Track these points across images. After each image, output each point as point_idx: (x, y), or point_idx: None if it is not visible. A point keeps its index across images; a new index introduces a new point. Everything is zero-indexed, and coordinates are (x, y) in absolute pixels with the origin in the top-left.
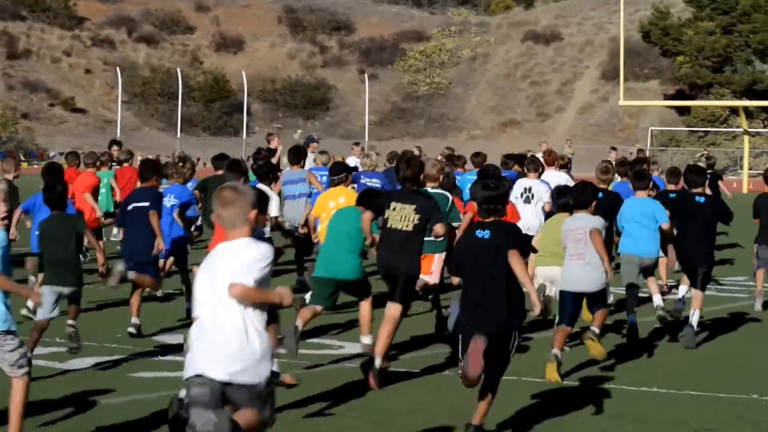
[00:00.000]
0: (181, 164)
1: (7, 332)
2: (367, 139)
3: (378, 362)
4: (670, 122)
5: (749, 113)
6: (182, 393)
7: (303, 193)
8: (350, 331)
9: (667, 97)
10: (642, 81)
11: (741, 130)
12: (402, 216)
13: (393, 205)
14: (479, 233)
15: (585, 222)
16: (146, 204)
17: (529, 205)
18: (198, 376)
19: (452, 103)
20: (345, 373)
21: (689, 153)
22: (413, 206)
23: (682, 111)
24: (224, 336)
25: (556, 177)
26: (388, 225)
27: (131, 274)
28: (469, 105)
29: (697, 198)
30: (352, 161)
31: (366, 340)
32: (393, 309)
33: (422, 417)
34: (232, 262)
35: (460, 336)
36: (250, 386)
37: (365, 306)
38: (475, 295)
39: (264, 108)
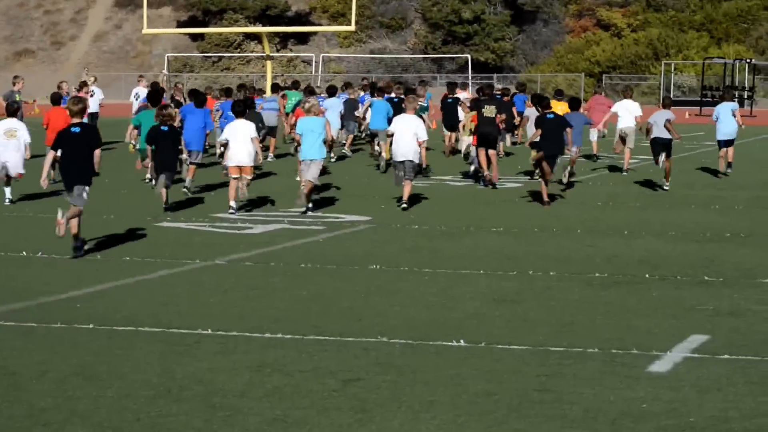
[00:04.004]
0: None
1: None
2: None
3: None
4: (184, 48)
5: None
6: None
7: None
8: None
9: (180, 24)
10: (155, 8)
11: (255, 54)
12: None
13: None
14: None
15: None
16: None
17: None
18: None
19: None
20: None
21: (202, 78)
22: None
23: (196, 37)
24: None
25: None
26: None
27: None
28: None
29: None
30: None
31: None
32: None
33: (54, 377)
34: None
35: None
36: None
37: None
38: None
39: None
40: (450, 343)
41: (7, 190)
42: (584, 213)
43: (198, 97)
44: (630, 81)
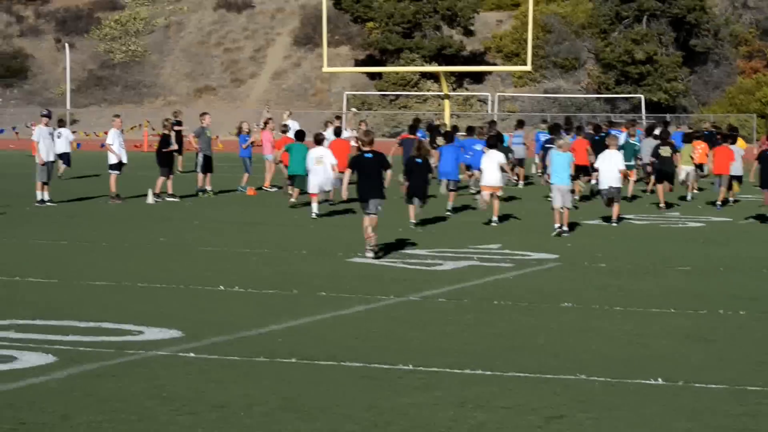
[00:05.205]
0: None
1: None
2: (69, 106)
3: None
4: (362, 86)
5: (438, 77)
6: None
7: None
8: (148, 315)
9: (358, 63)
10: (334, 47)
11: (431, 93)
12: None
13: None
14: None
15: None
16: None
17: None
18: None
19: (148, 70)
20: (155, 362)
21: (380, 116)
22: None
23: (373, 75)
24: None
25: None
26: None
27: None
28: (165, 72)
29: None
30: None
31: None
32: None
33: (262, 410)
34: None
35: None
36: None
37: None
38: None
39: None
40: (648, 381)
41: (314, 206)
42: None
43: (448, 135)
44: None
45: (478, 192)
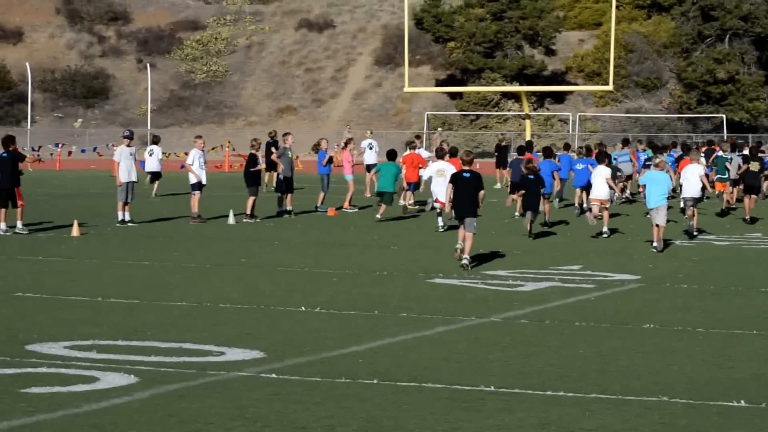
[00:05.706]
0: None
1: None
2: (149, 126)
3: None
4: (442, 106)
5: (519, 97)
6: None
7: None
8: (230, 336)
9: (439, 82)
10: (415, 66)
11: (512, 113)
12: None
13: None
14: None
15: None
16: None
17: None
18: None
19: (229, 90)
20: (237, 383)
21: (461, 136)
22: None
23: (454, 95)
24: None
25: None
26: None
27: None
28: (246, 92)
29: None
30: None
31: None
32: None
33: (343, 431)
34: None
35: None
36: None
37: None
38: None
39: (45, 98)
40: (731, 404)
41: (440, 220)
42: None
43: (546, 151)
44: None
45: (584, 210)
